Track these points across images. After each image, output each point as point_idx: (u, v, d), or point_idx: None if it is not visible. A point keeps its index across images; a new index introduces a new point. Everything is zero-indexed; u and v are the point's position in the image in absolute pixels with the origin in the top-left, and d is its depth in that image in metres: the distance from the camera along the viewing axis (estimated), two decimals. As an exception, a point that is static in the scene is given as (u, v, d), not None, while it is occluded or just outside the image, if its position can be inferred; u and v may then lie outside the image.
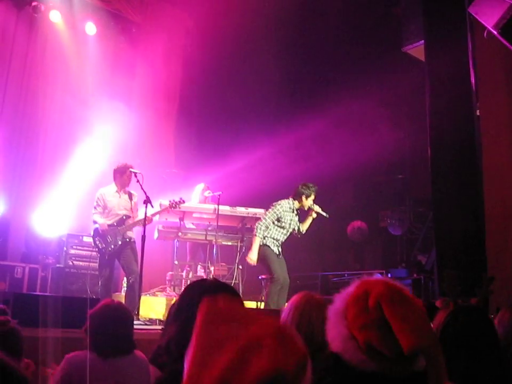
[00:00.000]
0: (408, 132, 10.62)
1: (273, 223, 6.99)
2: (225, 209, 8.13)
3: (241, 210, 8.26)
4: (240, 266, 8.08)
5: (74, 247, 8.71)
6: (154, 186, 8.69)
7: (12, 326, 2.68)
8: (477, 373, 2.14)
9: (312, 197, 7.07)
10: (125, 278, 7.23)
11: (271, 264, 6.90)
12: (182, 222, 8.31)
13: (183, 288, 7.85)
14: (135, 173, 6.85)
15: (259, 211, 7.76)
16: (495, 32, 6.71)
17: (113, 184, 7.12)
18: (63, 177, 9.81)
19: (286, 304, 2.83)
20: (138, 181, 6.76)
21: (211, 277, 8.25)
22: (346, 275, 10.05)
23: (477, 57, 7.22)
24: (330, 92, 10.64)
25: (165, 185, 10.09)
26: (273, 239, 7.04)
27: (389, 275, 8.99)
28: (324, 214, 7.19)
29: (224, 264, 8.72)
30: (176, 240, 8.44)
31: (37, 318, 4.32)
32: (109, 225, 6.87)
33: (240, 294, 7.41)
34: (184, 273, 8.72)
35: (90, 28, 10.49)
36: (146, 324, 6.45)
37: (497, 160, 6.92)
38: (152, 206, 6.73)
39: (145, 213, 6.64)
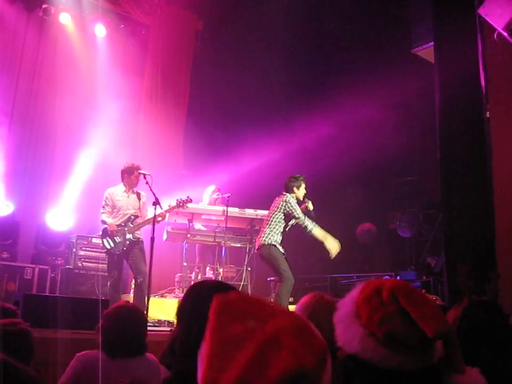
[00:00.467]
0: (417, 133, 10.59)
1: (280, 222, 6.94)
2: (234, 211, 8.14)
3: (250, 212, 8.27)
4: (249, 268, 8.08)
5: (83, 248, 8.74)
6: (163, 187, 8.71)
7: (22, 327, 2.69)
8: (494, 367, 2.13)
9: (303, 185, 7.05)
10: (134, 279, 7.24)
11: (280, 264, 6.81)
12: (191, 224, 8.33)
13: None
14: (144, 174, 6.85)
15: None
16: (505, 34, 6.68)
17: (121, 184, 7.13)
18: (72, 178, 9.86)
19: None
20: (147, 182, 6.76)
21: (220, 278, 8.27)
22: (355, 277, 10.03)
23: (487, 59, 7.19)
24: (339, 94, 10.62)
25: (174, 187, 10.11)
26: (279, 238, 6.96)
27: (398, 277, 8.96)
28: (312, 214, 7.12)
29: (233, 266, 8.74)
30: (185, 241, 8.46)
31: (47, 319, 4.35)
32: (117, 225, 6.88)
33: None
34: (193, 275, 8.73)
35: (100, 30, 10.53)
36: (155, 325, 6.46)
37: (507, 161, 6.88)
38: (161, 208, 6.73)
39: (154, 214, 6.65)
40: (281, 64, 10.85)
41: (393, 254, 10.92)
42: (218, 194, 8.63)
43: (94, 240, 8.68)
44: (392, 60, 9.78)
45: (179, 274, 8.73)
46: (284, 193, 7.02)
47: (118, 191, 7.08)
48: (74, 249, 8.66)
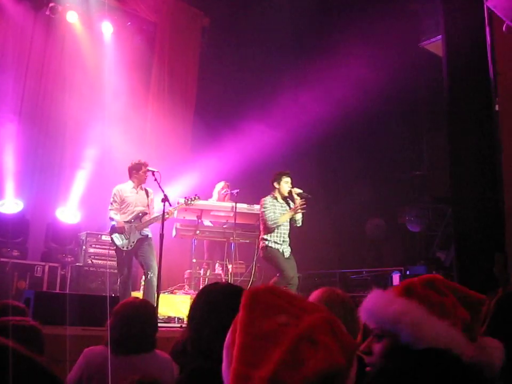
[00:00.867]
0: (426, 127, 10.54)
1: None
2: (242, 207, 8.14)
3: (258, 208, 8.27)
4: (258, 264, 8.08)
5: (93, 245, 8.77)
6: (171, 185, 8.73)
7: (32, 324, 2.70)
8: None
9: (285, 180, 7.06)
10: (143, 276, 7.25)
11: (279, 262, 6.92)
12: (199, 220, 8.34)
13: (200, 287, 7.91)
14: (153, 172, 6.86)
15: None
16: (514, 26, 6.62)
17: (129, 181, 7.15)
18: (81, 176, 9.90)
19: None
20: (156, 179, 6.77)
21: (229, 275, 8.28)
22: (364, 272, 10.01)
23: (496, 52, 7.13)
24: (347, 95, 10.59)
25: (182, 184, 10.13)
26: (274, 241, 7.01)
27: (407, 272, 8.93)
28: (306, 194, 7.10)
29: (242, 262, 8.74)
30: (194, 238, 8.47)
31: (58, 316, 4.37)
32: (125, 222, 6.90)
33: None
34: (202, 271, 8.74)
35: (107, 28, 10.55)
36: (165, 322, 6.48)
37: (517, 155, 6.83)
38: (170, 204, 6.75)
39: (163, 211, 6.66)
40: (288, 61, 10.82)
41: (403, 248, 10.88)
42: (227, 191, 8.63)
43: (103, 237, 8.71)
44: (399, 53, 9.73)
45: (188, 270, 8.75)
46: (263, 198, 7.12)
47: (126, 188, 7.10)
48: (84, 247, 8.69)
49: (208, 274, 8.63)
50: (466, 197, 6.96)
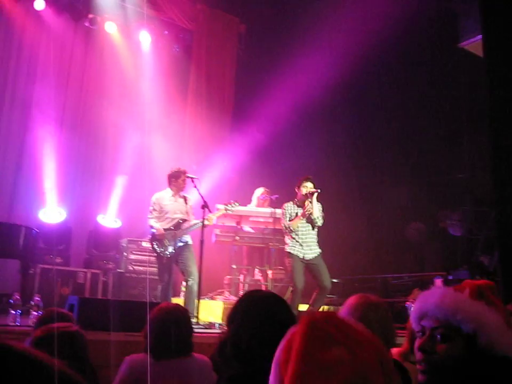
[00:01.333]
0: (466, 128, 10.36)
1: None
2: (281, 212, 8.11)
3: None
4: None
5: (134, 252, 8.87)
6: (210, 191, 8.77)
7: (76, 329, 2.73)
8: None
9: (305, 184, 7.11)
10: (183, 282, 7.28)
11: (291, 272, 7.03)
12: (239, 226, 8.35)
13: (241, 293, 7.91)
14: (192, 178, 6.90)
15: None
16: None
17: (168, 189, 7.18)
18: (121, 183, 10.03)
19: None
20: (195, 186, 6.81)
21: (268, 280, 8.26)
22: (406, 277, 9.86)
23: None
24: (384, 91, 10.50)
25: (221, 190, 10.17)
26: (293, 242, 7.06)
27: (450, 277, 8.77)
28: (313, 190, 7.11)
29: (281, 267, 8.71)
30: (233, 244, 8.49)
31: (101, 322, 4.42)
32: (165, 229, 6.94)
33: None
34: (241, 277, 8.74)
35: (145, 37, 10.71)
36: (205, 328, 6.49)
37: None
38: (209, 210, 6.78)
39: (203, 217, 6.69)
40: (325, 65, 10.77)
41: (444, 253, 10.69)
42: (266, 196, 8.62)
43: (144, 244, 8.80)
44: (438, 54, 9.61)
45: (228, 276, 8.76)
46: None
47: (165, 196, 7.14)
48: (125, 253, 8.80)
49: (247, 280, 8.62)
50: (510, 199, 6.81)
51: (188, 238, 7.05)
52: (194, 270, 6.78)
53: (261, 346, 1.89)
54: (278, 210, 8.00)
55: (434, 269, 9.63)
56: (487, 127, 7.27)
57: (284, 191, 8.63)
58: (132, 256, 8.83)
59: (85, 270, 8.62)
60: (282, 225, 7.15)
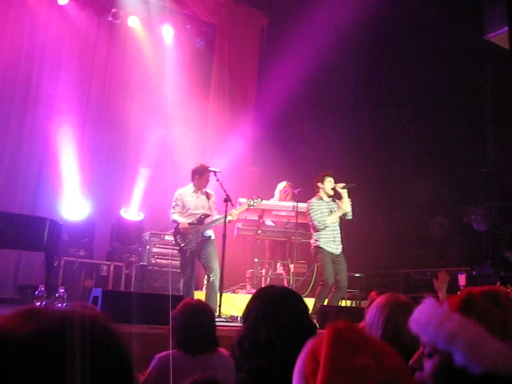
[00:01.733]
0: (491, 121, 10.23)
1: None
2: (304, 206, 8.09)
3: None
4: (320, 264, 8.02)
5: (156, 245, 8.91)
6: (232, 184, 8.77)
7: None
8: None
9: (328, 179, 7.18)
10: (206, 276, 7.30)
11: (322, 266, 7.07)
12: (261, 220, 8.35)
13: (263, 285, 7.91)
14: (215, 172, 6.90)
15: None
16: None
17: (190, 185, 7.16)
18: (144, 176, 10.09)
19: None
20: (218, 180, 6.81)
21: (291, 274, 8.26)
22: (429, 272, 9.78)
23: None
24: (409, 84, 10.40)
25: (243, 184, 10.17)
26: (327, 240, 7.09)
27: (474, 272, 8.68)
28: (350, 185, 7.24)
29: (303, 261, 8.70)
30: (255, 238, 8.49)
31: (124, 314, 4.45)
32: (189, 224, 6.95)
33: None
34: (263, 271, 8.75)
35: (167, 31, 10.74)
36: (228, 321, 6.51)
37: None
38: (232, 204, 6.78)
39: (226, 211, 6.69)
40: (350, 59, 10.70)
41: (468, 248, 10.58)
42: (288, 190, 8.60)
43: (166, 237, 8.83)
44: (464, 47, 9.49)
45: (250, 270, 8.77)
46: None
47: (187, 192, 7.13)
48: (148, 246, 8.84)
49: (269, 274, 8.63)
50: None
51: (210, 233, 7.05)
52: (216, 265, 6.78)
53: (279, 340, 1.92)
54: (301, 204, 7.98)
55: (458, 264, 9.54)
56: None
57: (306, 185, 8.60)
58: (155, 249, 8.87)
59: (108, 262, 8.69)
60: (315, 221, 7.10)
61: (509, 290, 6.63)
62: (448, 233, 10.50)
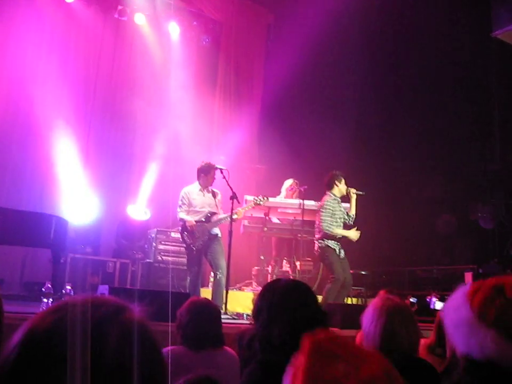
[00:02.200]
0: (499, 120, 10.19)
1: (331, 218, 7.08)
2: (310, 203, 8.08)
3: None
4: (326, 261, 8.01)
5: (163, 242, 8.92)
6: (238, 182, 8.77)
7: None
8: None
9: (343, 180, 7.16)
10: (212, 273, 7.31)
11: (331, 263, 7.02)
12: (267, 217, 8.34)
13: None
14: (221, 169, 6.90)
15: (345, 205, 7.66)
16: None
17: (196, 183, 7.17)
18: (150, 174, 10.10)
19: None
20: (224, 177, 6.81)
21: (297, 272, 8.25)
22: (435, 270, 9.77)
23: None
24: (416, 80, 10.37)
25: (249, 181, 10.17)
26: (335, 240, 7.07)
27: (480, 270, 8.66)
28: (360, 192, 7.22)
29: (309, 259, 8.69)
30: (261, 235, 8.49)
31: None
32: (196, 221, 6.96)
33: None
34: (269, 268, 8.75)
35: (174, 28, 10.74)
36: (233, 318, 6.51)
37: None
38: (238, 202, 6.77)
39: (232, 208, 6.69)
40: (355, 55, 10.68)
41: (475, 246, 10.55)
42: (294, 188, 8.59)
43: (172, 234, 8.84)
44: (471, 44, 9.45)
45: (256, 267, 8.77)
46: (327, 193, 7.23)
47: (193, 190, 7.13)
48: (154, 244, 8.85)
49: (275, 271, 8.62)
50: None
51: (217, 231, 7.06)
52: (222, 263, 6.79)
53: (293, 340, 1.88)
54: (307, 202, 7.98)
55: (465, 262, 9.52)
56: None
57: (312, 182, 8.59)
58: (161, 247, 8.88)
59: (114, 259, 8.71)
60: (323, 221, 7.03)
61: None
62: (455, 231, 10.46)
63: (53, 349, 0.83)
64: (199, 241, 6.89)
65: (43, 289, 5.28)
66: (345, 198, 7.34)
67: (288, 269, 8.75)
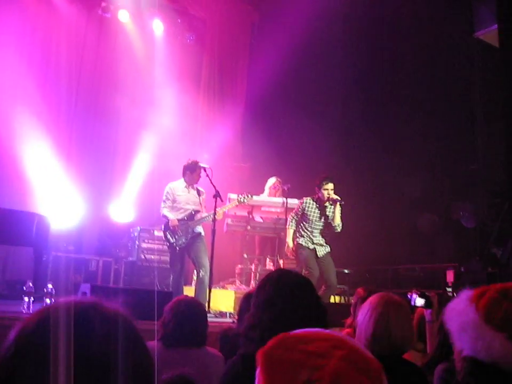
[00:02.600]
0: (480, 119, 10.28)
1: (302, 217, 7.14)
2: (293, 202, 8.10)
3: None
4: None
5: (146, 240, 8.89)
6: (222, 180, 8.77)
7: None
8: None
9: (325, 186, 7.00)
10: (195, 271, 7.30)
11: (303, 260, 7.08)
12: (250, 216, 8.34)
13: (252, 282, 7.91)
14: (204, 168, 6.90)
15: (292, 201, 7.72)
16: None
17: (182, 180, 7.17)
18: (133, 171, 10.06)
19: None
20: (207, 175, 6.81)
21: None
22: (417, 268, 9.84)
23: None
24: (399, 80, 10.42)
25: (233, 179, 10.17)
26: (307, 238, 7.12)
27: (462, 269, 8.73)
28: (341, 201, 7.08)
29: (293, 257, 8.70)
30: (244, 233, 8.50)
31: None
32: (179, 220, 6.95)
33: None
34: (253, 267, 8.75)
35: (158, 26, 10.70)
36: (216, 317, 6.52)
37: None
38: (221, 200, 6.78)
39: (215, 207, 6.69)
40: (339, 53, 10.71)
41: (457, 244, 10.63)
42: (278, 186, 8.60)
43: (156, 232, 8.81)
44: (453, 44, 9.52)
45: (239, 266, 8.77)
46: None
47: (178, 186, 7.13)
48: (137, 242, 8.83)
49: (259, 269, 8.63)
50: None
51: (200, 229, 7.06)
52: (205, 261, 6.79)
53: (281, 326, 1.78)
54: (290, 200, 7.99)
55: (446, 261, 9.59)
56: (501, 118, 7.22)
57: (296, 181, 8.61)
58: (144, 245, 8.86)
59: (97, 258, 8.67)
60: (290, 220, 7.15)
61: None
62: (437, 229, 10.53)
63: (41, 344, 0.85)
64: (182, 240, 6.88)
65: (24, 287, 5.25)
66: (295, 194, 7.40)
67: (271, 267, 8.76)
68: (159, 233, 8.46)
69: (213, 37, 11.22)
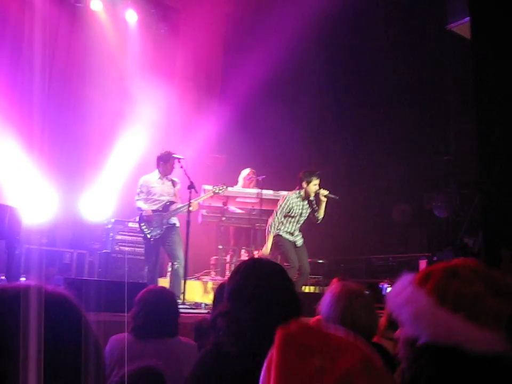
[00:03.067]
0: (453, 111, 10.39)
1: (285, 217, 7.12)
2: (268, 193, 8.13)
3: (284, 194, 8.25)
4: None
5: (120, 232, 8.84)
6: (197, 171, 8.75)
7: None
8: None
9: (315, 182, 7.03)
10: (170, 263, 7.30)
11: (285, 252, 7.08)
12: (225, 207, 8.35)
13: (227, 273, 7.92)
14: (179, 159, 6.88)
15: (283, 193, 7.74)
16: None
17: (156, 171, 7.15)
18: (108, 163, 9.98)
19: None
20: (182, 166, 6.80)
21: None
22: (390, 258, 9.95)
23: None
24: (371, 72, 10.48)
25: (208, 171, 10.16)
26: (287, 231, 7.16)
27: (434, 258, 8.85)
28: (333, 196, 7.15)
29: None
30: (219, 224, 8.50)
31: (86, 302, 4.43)
32: (153, 211, 6.93)
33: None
34: (228, 258, 8.77)
35: (131, 16, 10.59)
36: (191, 308, 6.52)
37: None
38: (196, 191, 6.77)
39: (190, 198, 6.68)
40: (314, 45, 10.73)
41: (429, 234, 10.77)
42: (252, 177, 8.61)
43: (130, 224, 8.77)
44: (425, 36, 9.60)
45: (214, 257, 8.79)
46: (297, 188, 7.17)
47: (152, 178, 7.11)
48: (111, 234, 8.77)
49: (234, 260, 8.65)
50: (496, 181, 6.86)
51: (175, 220, 7.05)
52: (180, 253, 6.79)
53: (265, 327, 1.76)
54: (265, 191, 8.02)
55: (419, 250, 9.71)
56: (473, 109, 7.30)
57: (270, 172, 8.64)
58: (118, 237, 8.80)
59: (71, 250, 8.60)
60: (275, 217, 7.11)
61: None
62: (410, 219, 10.65)
63: None
64: (157, 231, 6.87)
65: (-4, 281, 5.19)
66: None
67: (246, 258, 8.78)
68: (133, 224, 8.43)
69: (187, 28, 11.13)
